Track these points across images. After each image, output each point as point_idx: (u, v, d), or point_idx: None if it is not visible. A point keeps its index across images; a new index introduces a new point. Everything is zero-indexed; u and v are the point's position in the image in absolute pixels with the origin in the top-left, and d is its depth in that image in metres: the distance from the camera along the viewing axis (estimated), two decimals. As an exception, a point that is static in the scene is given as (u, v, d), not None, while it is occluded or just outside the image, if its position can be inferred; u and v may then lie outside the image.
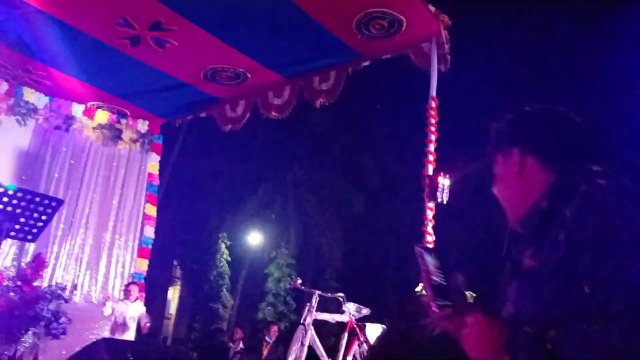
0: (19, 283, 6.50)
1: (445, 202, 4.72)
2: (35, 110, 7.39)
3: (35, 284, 6.45)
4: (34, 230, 3.42)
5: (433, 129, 5.16)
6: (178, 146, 9.76)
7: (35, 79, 7.07)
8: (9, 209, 3.26)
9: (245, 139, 8.98)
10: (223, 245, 16.27)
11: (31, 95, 7.33)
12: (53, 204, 3.40)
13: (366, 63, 6.26)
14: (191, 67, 6.74)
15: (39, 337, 6.38)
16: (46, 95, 7.44)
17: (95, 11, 5.72)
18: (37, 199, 3.33)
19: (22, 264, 6.82)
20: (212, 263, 16.32)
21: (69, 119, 7.64)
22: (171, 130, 8.33)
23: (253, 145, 11.59)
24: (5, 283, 6.34)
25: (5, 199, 3.25)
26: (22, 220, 3.34)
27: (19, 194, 3.28)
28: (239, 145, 10.72)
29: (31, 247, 6.84)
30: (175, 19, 5.87)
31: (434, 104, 5.23)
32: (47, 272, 6.86)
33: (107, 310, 6.35)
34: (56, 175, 7.50)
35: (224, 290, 16.75)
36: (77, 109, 7.66)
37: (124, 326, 6.38)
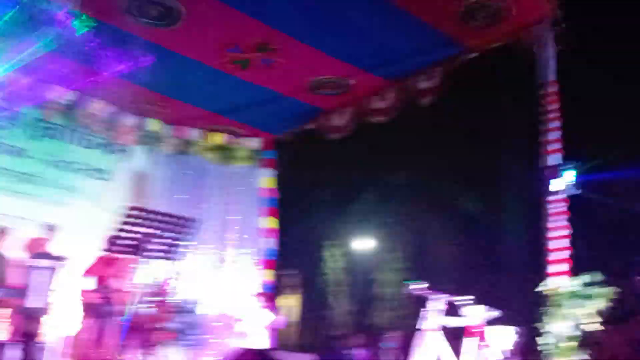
0: (154, 298, 7.01)
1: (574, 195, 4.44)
2: (159, 138, 7.98)
3: (167, 298, 6.90)
4: (176, 249, 3.71)
5: (554, 115, 4.87)
6: (287, 159, 10.09)
7: (157, 109, 7.64)
8: (152, 230, 3.56)
9: (351, 145, 9.07)
10: (335, 252, 16.53)
11: (155, 125, 7.93)
12: (190, 223, 3.67)
13: (473, 55, 6.06)
14: (297, 82, 6.98)
15: (175, 349, 6.83)
16: (167, 123, 8.02)
17: (208, 42, 6.10)
18: (175, 220, 3.62)
19: (155, 280, 7.36)
20: (325, 270, 16.63)
21: (188, 143, 8.17)
22: (281, 144, 8.62)
23: (359, 151, 11.63)
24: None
25: (147, 222, 3.55)
26: (164, 240, 3.64)
27: (159, 217, 3.56)
28: (345, 153, 10.84)
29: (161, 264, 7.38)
30: (279, 38, 6.13)
31: (553, 89, 4.94)
32: (176, 287, 7.35)
33: (242, 321, 6.66)
34: (180, 196, 8.02)
35: (339, 296, 16.97)
36: (195, 133, 8.17)
37: (256, 335, 6.64)
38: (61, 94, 7.16)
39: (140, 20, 5.93)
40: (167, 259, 3.80)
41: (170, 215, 3.61)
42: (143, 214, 3.50)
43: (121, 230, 3.49)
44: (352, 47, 6.28)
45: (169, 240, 3.63)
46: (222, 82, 6.88)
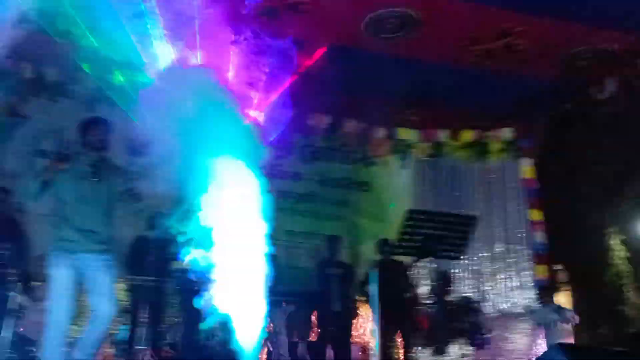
0: (436, 298, 7.19)
1: None
2: (409, 145, 8.24)
3: (447, 298, 7.00)
4: (458, 248, 3.77)
5: None
6: (545, 144, 9.41)
7: (406, 118, 7.92)
8: (433, 232, 3.68)
9: (620, 120, 8.02)
10: (616, 241, 14.74)
11: (404, 133, 8.23)
12: (469, 221, 3.69)
13: None
14: (548, 61, 6.50)
15: (464, 348, 6.86)
16: (416, 129, 8.24)
17: (449, 41, 6.12)
18: (456, 219, 3.68)
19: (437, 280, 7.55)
20: (605, 262, 14.94)
21: (439, 145, 8.25)
22: (535, 130, 8.10)
23: (631, 125, 10.20)
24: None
25: (429, 223, 3.68)
26: (447, 240, 3.73)
27: (440, 217, 3.67)
28: (613, 128, 9.61)
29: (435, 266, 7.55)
30: (521, 20, 5.82)
31: None
32: (454, 287, 7.42)
33: (525, 318, 6.41)
34: (439, 199, 8.13)
35: (627, 290, 15.03)
36: (443, 135, 8.21)
37: (552, 331, 6.27)
38: (321, 119, 7.98)
39: (379, 36, 6.23)
40: (451, 258, 3.88)
41: (451, 215, 3.69)
42: (423, 216, 3.64)
43: (404, 233, 3.69)
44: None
45: (451, 240, 3.70)
46: (468, 78, 6.79)
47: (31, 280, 5.07)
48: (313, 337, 7.11)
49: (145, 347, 5.45)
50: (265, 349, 6.14)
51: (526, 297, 7.36)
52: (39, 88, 6.90)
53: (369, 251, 7.34)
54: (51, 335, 3.45)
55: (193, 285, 4.41)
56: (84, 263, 3.56)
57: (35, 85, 6.90)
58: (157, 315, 5.92)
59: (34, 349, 5.05)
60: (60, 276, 3.52)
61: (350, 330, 6.53)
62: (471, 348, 6.86)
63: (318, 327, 6.65)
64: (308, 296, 6.88)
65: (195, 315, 4.56)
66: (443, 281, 6.88)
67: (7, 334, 4.77)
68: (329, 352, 6.33)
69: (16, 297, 4.94)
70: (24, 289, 4.95)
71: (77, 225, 3.53)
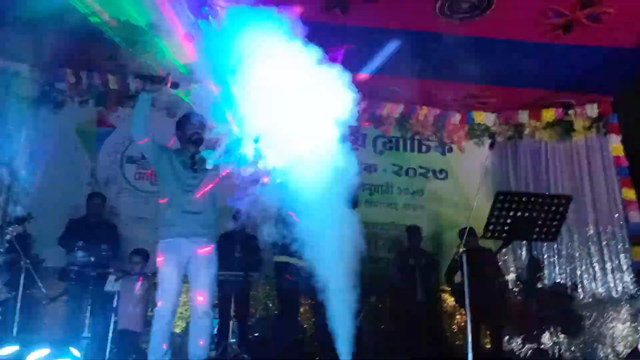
0: (526, 285, 6.97)
1: None
2: (487, 129, 7.99)
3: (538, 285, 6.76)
4: (552, 230, 3.62)
5: None
6: (634, 119, 8.80)
7: (481, 101, 7.68)
8: (527, 214, 3.55)
9: None
10: None
11: (480, 117, 7.99)
12: (563, 201, 3.53)
13: None
14: (629, 30, 6.07)
15: (557, 337, 6.60)
16: (492, 112, 7.98)
17: (524, 17, 5.86)
18: (548, 200, 3.53)
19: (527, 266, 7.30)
20: None
21: (519, 126, 7.94)
22: (623, 105, 7.59)
23: None
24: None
25: (518, 205, 3.55)
26: (539, 222, 3.58)
27: (532, 198, 3.53)
28: None
29: (524, 252, 7.32)
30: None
31: None
32: (544, 273, 7.14)
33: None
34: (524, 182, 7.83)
35: None
36: (523, 116, 7.90)
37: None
38: (393, 109, 7.90)
39: (454, 17, 6.06)
40: (543, 240, 3.72)
41: (542, 196, 3.54)
42: (513, 198, 3.52)
43: (492, 217, 3.58)
44: None
45: (543, 222, 3.56)
46: (545, 54, 6.46)
47: (128, 276, 5.37)
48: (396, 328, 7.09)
49: (234, 340, 5.64)
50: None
51: (623, 282, 6.93)
52: (124, 98, 7.28)
53: (451, 240, 7.22)
54: (157, 329, 3.62)
55: (290, 279, 4.50)
56: (189, 251, 3.72)
57: (121, 96, 7.29)
58: (245, 309, 6.11)
59: (137, 342, 5.37)
60: (166, 270, 3.69)
61: (436, 320, 6.44)
62: (564, 336, 6.59)
63: (402, 318, 6.60)
64: (390, 287, 6.86)
65: (290, 308, 4.64)
66: (533, 267, 6.63)
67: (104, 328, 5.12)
68: (413, 343, 6.27)
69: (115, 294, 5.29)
70: (122, 285, 5.27)
71: (183, 208, 3.72)
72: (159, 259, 3.75)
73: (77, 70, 7.16)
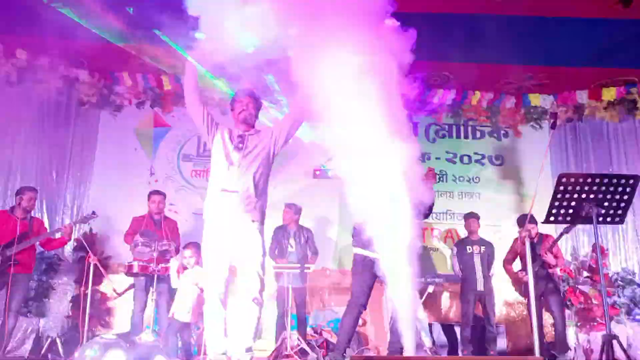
0: (586, 274, 6.72)
1: None
2: (544, 111, 7.72)
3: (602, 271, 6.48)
4: (619, 212, 3.46)
5: None
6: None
7: (536, 83, 7.42)
8: (592, 196, 3.41)
9: None
10: None
11: (536, 99, 7.73)
12: (630, 181, 3.37)
13: None
14: None
15: (624, 324, 6.33)
16: (549, 94, 7.70)
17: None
18: (614, 181, 3.38)
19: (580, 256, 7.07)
20: None
21: (578, 107, 7.64)
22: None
23: None
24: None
25: (582, 187, 3.41)
26: (605, 204, 3.43)
27: (596, 179, 3.38)
28: None
29: (585, 238, 7.07)
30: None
31: None
32: (608, 258, 6.86)
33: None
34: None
35: None
36: (582, 96, 7.58)
37: None
38: (445, 95, 7.75)
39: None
40: (609, 223, 3.56)
41: (608, 176, 3.38)
42: (576, 179, 3.38)
43: (555, 200, 3.45)
44: None
45: (608, 203, 3.40)
46: (605, 30, 6.18)
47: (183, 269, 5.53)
48: (454, 318, 6.99)
49: (293, 331, 5.71)
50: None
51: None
52: (178, 98, 7.48)
53: (509, 227, 7.03)
54: (210, 319, 3.65)
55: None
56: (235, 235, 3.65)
57: (175, 96, 7.50)
58: (302, 302, 6.18)
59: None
60: (214, 257, 3.66)
61: (493, 310, 6.30)
62: (631, 324, 6.31)
63: (460, 307, 6.49)
64: (448, 277, 6.77)
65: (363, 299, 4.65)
66: (596, 253, 6.37)
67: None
68: (473, 332, 6.16)
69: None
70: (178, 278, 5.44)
71: (224, 187, 3.64)
72: (204, 247, 3.74)
73: (133, 73, 7.41)
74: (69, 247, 6.82)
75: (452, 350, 6.16)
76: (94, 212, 5.75)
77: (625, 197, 3.44)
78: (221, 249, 3.64)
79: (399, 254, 3.26)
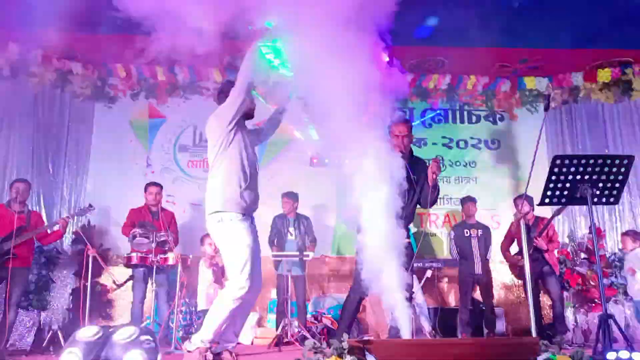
0: (583, 255, 6.76)
1: None
2: (540, 94, 7.71)
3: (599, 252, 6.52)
4: (614, 192, 3.47)
5: None
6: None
7: (531, 66, 7.40)
8: (587, 177, 3.42)
9: None
10: None
11: (532, 82, 7.71)
12: (624, 161, 3.38)
13: None
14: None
15: (622, 304, 6.39)
16: (544, 77, 7.68)
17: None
18: (609, 161, 3.39)
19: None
20: None
21: (573, 89, 7.64)
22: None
23: None
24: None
25: (576, 168, 3.42)
26: (600, 185, 3.45)
27: (590, 160, 3.39)
28: None
29: (582, 220, 7.11)
30: None
31: None
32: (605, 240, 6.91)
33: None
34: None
35: None
36: (577, 78, 7.57)
37: None
38: (440, 80, 7.72)
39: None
40: (604, 203, 3.57)
41: (603, 156, 3.39)
42: (571, 160, 3.39)
43: (550, 181, 3.46)
44: None
45: (603, 184, 3.41)
46: (597, 10, 6.13)
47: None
48: (450, 303, 7.04)
49: (293, 318, 5.76)
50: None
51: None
52: (172, 88, 7.46)
53: (506, 210, 7.07)
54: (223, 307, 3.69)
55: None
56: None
57: (170, 87, 7.47)
58: (302, 289, 6.23)
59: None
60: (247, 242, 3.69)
61: (491, 293, 6.35)
62: (628, 304, 6.36)
63: (457, 291, 6.54)
64: (446, 261, 6.79)
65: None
66: (593, 234, 6.40)
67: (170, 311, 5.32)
68: (471, 316, 6.21)
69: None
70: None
71: (244, 186, 3.73)
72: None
73: (127, 65, 7.37)
74: (67, 240, 6.83)
75: (452, 334, 6.21)
76: (90, 205, 5.76)
77: (620, 177, 3.45)
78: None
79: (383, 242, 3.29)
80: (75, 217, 6.37)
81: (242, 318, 3.88)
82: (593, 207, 3.51)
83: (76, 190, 7.22)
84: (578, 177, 3.47)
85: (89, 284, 5.38)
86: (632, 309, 6.29)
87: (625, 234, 6.24)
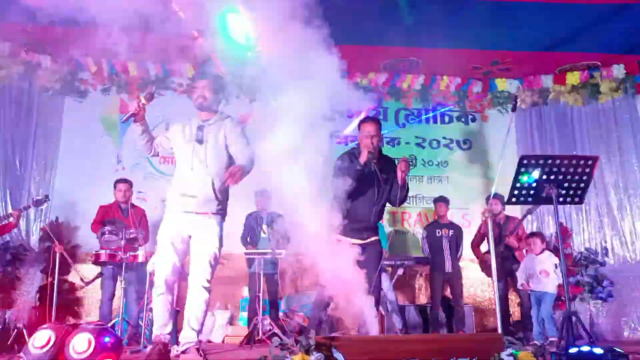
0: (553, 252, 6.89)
1: None
2: (509, 95, 7.83)
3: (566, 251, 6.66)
4: (579, 192, 3.55)
5: None
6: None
7: (502, 68, 7.52)
8: (552, 177, 3.49)
9: None
10: None
11: (503, 84, 7.83)
12: (589, 162, 3.46)
13: None
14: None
15: (588, 302, 6.53)
16: (515, 79, 7.81)
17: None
18: (574, 161, 3.47)
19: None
20: None
21: (543, 91, 7.78)
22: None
23: None
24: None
25: (543, 168, 3.50)
26: (565, 185, 3.53)
27: (556, 160, 3.47)
28: None
29: (550, 219, 7.24)
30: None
31: None
32: (572, 239, 7.06)
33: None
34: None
35: None
36: (547, 80, 7.72)
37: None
38: (413, 81, 7.79)
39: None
40: (569, 203, 3.66)
41: (567, 157, 3.47)
42: (537, 161, 3.46)
43: (517, 181, 3.54)
44: None
45: (568, 184, 3.50)
46: (567, 15, 6.27)
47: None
48: (423, 300, 7.11)
49: (265, 316, 5.75)
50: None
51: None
52: (144, 83, 7.36)
53: (478, 210, 7.17)
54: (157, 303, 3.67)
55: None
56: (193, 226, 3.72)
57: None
58: (274, 287, 6.22)
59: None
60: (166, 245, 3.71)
61: (461, 291, 6.44)
62: (595, 302, 6.52)
63: (429, 289, 6.62)
64: (418, 259, 6.85)
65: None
66: (558, 233, 6.54)
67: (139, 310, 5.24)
68: (441, 314, 6.29)
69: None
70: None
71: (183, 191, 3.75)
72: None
73: (98, 59, 7.24)
74: (34, 237, 6.69)
75: (425, 331, 6.27)
76: (46, 196, 5.65)
77: (585, 177, 3.54)
78: (175, 237, 3.70)
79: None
80: (31, 208, 6.19)
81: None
82: (559, 206, 3.60)
83: (44, 186, 7.06)
84: (544, 177, 3.55)
85: (56, 281, 5.28)
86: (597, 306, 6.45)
87: (533, 235, 5.98)
